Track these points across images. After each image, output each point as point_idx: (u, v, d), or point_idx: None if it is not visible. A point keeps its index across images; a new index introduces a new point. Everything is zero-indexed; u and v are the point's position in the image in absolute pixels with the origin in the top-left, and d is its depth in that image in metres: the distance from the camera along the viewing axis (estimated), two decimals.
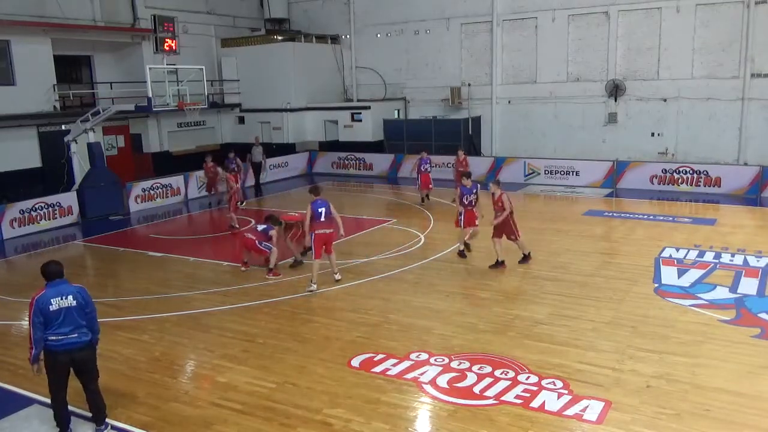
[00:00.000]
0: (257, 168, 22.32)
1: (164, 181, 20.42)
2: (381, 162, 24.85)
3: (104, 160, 18.99)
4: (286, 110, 26.51)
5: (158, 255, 13.82)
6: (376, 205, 18.79)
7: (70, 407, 6.51)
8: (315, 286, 10.81)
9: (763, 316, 9.12)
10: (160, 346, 8.79)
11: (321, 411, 6.83)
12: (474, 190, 12.36)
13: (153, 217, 18.42)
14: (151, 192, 19.80)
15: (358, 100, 27.83)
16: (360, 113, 26.37)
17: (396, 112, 27.20)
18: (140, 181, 20.07)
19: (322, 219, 10.80)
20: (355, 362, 7.98)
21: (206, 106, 19.11)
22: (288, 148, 26.15)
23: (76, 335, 6.23)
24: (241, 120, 27.82)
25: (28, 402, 7.22)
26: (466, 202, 12.32)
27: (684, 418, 6.49)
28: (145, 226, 17.43)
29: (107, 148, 21.98)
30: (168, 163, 24.15)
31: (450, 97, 25.50)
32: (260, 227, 12.13)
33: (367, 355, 8.13)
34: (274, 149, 25.69)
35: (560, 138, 24.04)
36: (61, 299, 6.19)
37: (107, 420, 6.60)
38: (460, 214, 12.41)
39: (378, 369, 7.78)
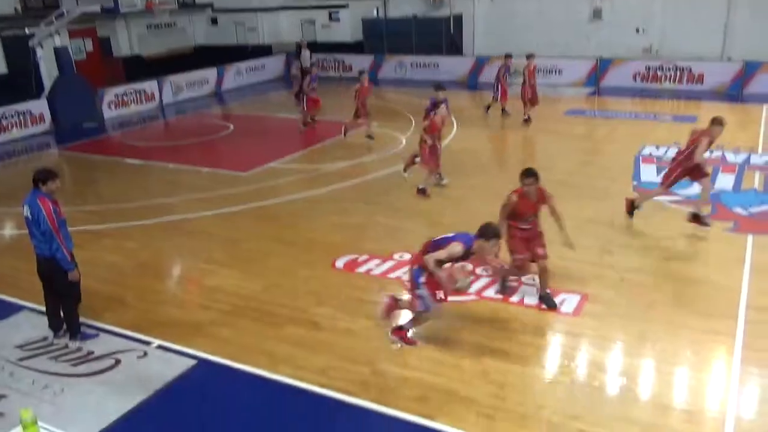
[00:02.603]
0: (307, 74, 20.06)
1: (138, 86, 19.78)
2: (360, 63, 24.14)
3: (73, 66, 18.26)
4: (260, 10, 25.38)
5: (137, 162, 13.62)
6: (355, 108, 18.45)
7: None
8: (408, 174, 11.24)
9: (737, 210, 9.35)
10: (145, 252, 8.84)
11: (308, 310, 7.01)
12: None
13: (128, 124, 18.01)
14: (125, 98, 19.22)
15: None
16: (337, 12, 25.35)
17: (375, 10, 26.19)
18: (113, 86, 19.42)
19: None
20: (340, 263, 8.12)
21: (175, 7, 18.24)
22: (264, 50, 25.29)
23: (38, 248, 6.21)
24: (214, 21, 26.63)
25: (18, 308, 7.31)
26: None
27: (657, 307, 6.77)
28: (121, 133, 17.06)
29: (75, 53, 21.06)
30: (140, 68, 23.31)
31: None
32: (451, 237, 6.03)
33: (351, 257, 8.27)
34: (250, 52, 24.85)
35: (544, 36, 23.35)
36: (24, 208, 6.15)
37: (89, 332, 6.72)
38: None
39: (362, 269, 7.93)
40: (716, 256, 8.00)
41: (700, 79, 19.07)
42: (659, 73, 19.49)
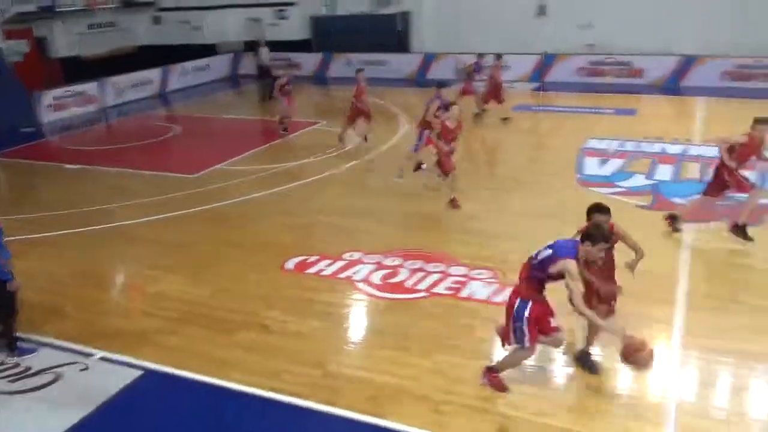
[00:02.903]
0: (265, 73, 18.74)
1: (78, 88, 19.13)
2: (309, 61, 24.03)
3: (7, 68, 17.54)
4: (205, 8, 24.90)
5: (77, 167, 13.17)
6: (305, 107, 18.29)
7: None
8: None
9: (675, 200, 9.66)
10: (86, 261, 8.55)
11: (258, 314, 6.91)
12: None
13: (68, 128, 17.40)
14: (64, 100, 18.57)
15: None
16: (285, 10, 25.10)
17: (323, 8, 26.01)
18: (51, 89, 18.72)
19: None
20: (289, 265, 8.03)
21: (117, 5, 17.72)
22: (208, 50, 24.81)
23: None
24: (157, 20, 26.02)
25: None
26: None
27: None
28: (60, 138, 16.47)
29: (11, 54, 20.19)
30: (81, 69, 22.54)
31: None
32: (552, 250, 5.14)
33: (301, 258, 8.19)
34: (194, 51, 24.35)
35: (491, 32, 23.64)
36: None
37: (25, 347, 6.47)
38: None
39: (312, 270, 7.87)
40: (656, 245, 8.20)
41: (640, 73, 19.66)
42: (601, 68, 20.02)
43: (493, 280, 7.35)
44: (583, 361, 5.86)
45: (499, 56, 15.80)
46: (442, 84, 11.41)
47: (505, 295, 6.90)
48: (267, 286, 7.55)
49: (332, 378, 5.79)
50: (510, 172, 11.44)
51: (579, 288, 4.96)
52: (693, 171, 11.11)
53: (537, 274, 5.19)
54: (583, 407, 5.29)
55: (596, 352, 5.91)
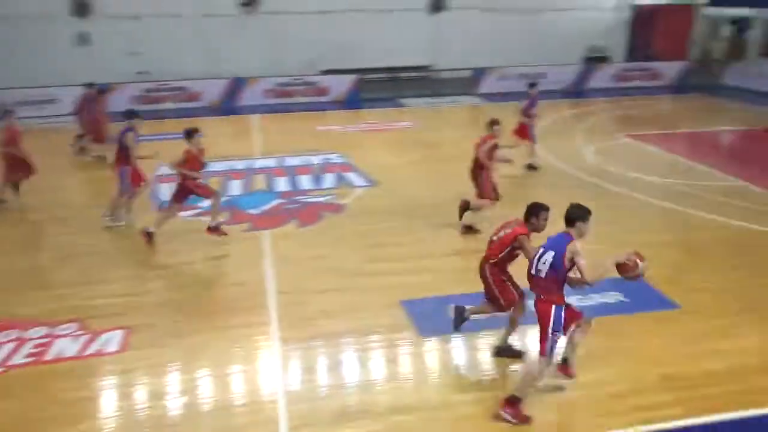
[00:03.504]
0: None
1: None
2: None
3: None
4: None
5: None
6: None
7: None
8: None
9: (250, 211, 10.38)
10: None
11: None
12: None
13: None
14: None
15: None
16: None
17: None
18: None
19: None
20: None
21: None
22: None
23: None
24: None
25: None
26: None
27: (200, 317, 6.98)
28: None
29: None
30: None
31: None
32: (552, 251, 5.19)
33: None
34: None
35: (27, 63, 21.29)
36: None
37: None
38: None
39: None
40: (240, 257, 8.68)
41: (198, 96, 20.45)
42: (159, 94, 20.10)
43: (81, 332, 6.67)
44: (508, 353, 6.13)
45: (102, 91, 14.82)
46: (134, 113, 9.95)
47: (99, 344, 6.41)
48: None
49: None
50: (63, 212, 10.54)
51: (585, 263, 5.02)
52: (261, 182, 12.09)
53: (558, 276, 5.13)
54: (203, 426, 5.23)
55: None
